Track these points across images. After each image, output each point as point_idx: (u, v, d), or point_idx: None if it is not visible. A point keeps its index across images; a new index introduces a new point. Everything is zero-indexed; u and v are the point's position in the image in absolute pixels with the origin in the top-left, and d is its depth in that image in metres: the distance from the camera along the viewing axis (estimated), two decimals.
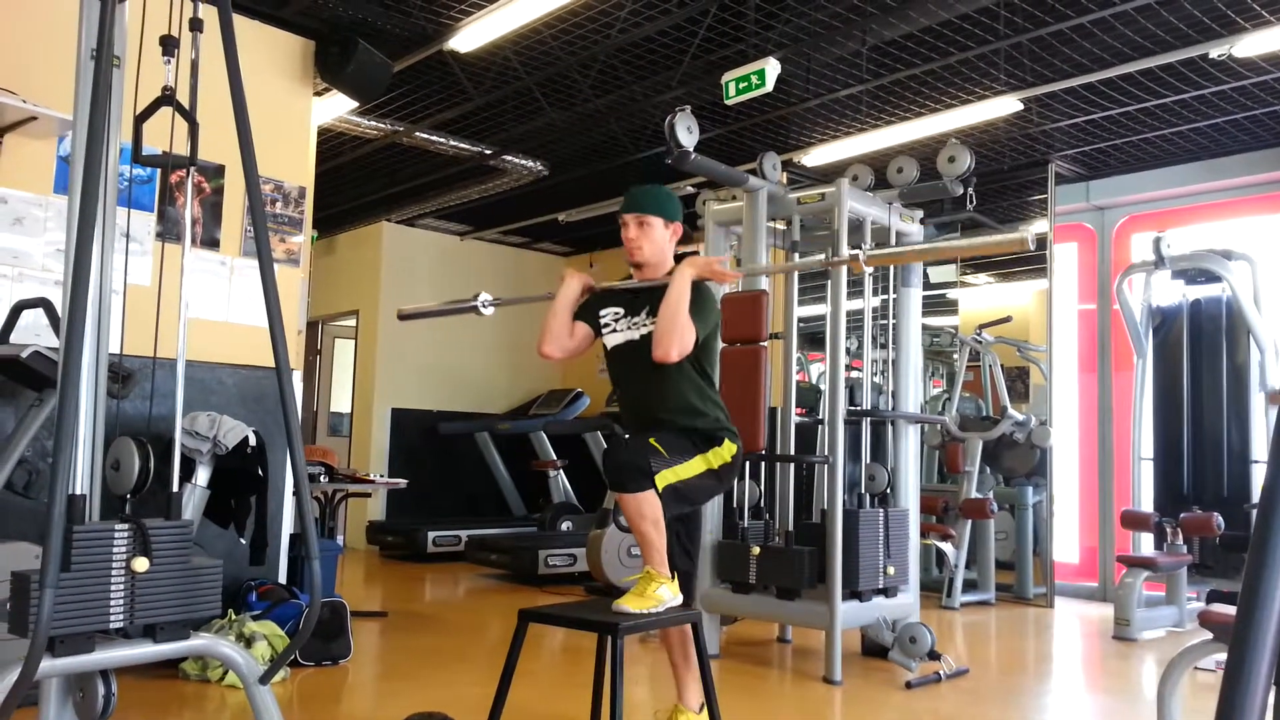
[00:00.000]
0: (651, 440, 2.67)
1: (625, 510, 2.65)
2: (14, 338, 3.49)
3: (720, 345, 2.96)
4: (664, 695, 3.92)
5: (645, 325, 2.81)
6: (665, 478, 2.63)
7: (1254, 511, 5.86)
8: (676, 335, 2.66)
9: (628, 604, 2.58)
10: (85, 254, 1.91)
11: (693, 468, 2.72)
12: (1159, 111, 5.75)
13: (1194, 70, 5.14)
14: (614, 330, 2.89)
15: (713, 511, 4.55)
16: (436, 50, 5.19)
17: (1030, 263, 7.12)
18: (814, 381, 7.26)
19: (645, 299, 2.84)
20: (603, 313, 2.92)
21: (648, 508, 2.62)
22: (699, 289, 2.77)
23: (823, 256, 4.52)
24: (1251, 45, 4.72)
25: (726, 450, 2.80)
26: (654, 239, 2.85)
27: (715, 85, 5.10)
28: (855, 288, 4.65)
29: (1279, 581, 0.87)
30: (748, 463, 4.60)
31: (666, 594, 2.64)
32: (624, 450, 2.68)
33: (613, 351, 2.91)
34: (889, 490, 4.58)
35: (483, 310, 3.17)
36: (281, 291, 2.23)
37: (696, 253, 4.39)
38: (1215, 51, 4.81)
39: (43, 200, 3.97)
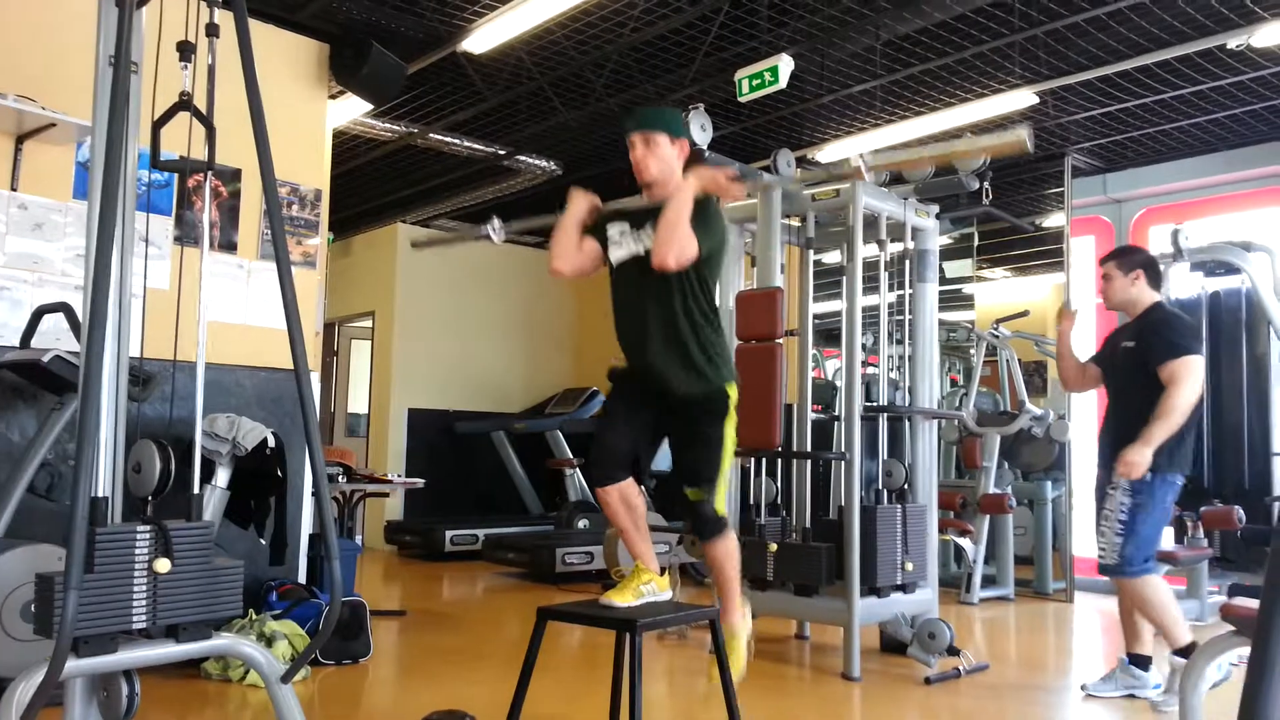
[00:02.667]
0: (694, 494, 2.78)
1: (713, 557, 2.82)
2: (35, 342, 3.52)
3: (720, 272, 2.95)
4: (682, 691, 3.92)
5: (651, 238, 2.77)
6: (721, 497, 2.79)
7: (1276, 504, 5.81)
8: (675, 242, 2.64)
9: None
10: (105, 258, 1.92)
11: (727, 457, 2.79)
12: (1176, 103, 5.71)
13: (1211, 61, 5.10)
14: (619, 245, 2.86)
15: (731, 507, 4.54)
16: (450, 52, 5.20)
17: (1047, 256, 7.08)
18: (830, 378, 7.24)
19: (653, 215, 2.79)
20: (610, 228, 2.90)
21: (734, 552, 2.84)
22: (705, 203, 2.75)
23: (848, 264, 4.51)
24: (1270, 35, 4.68)
25: (734, 402, 2.81)
26: (661, 156, 2.83)
27: (728, 83, 5.10)
28: (871, 284, 4.63)
29: None
30: (764, 460, 4.60)
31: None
32: (698, 509, 2.80)
33: (618, 269, 2.88)
34: (906, 486, 4.57)
35: (494, 236, 3.21)
36: (299, 293, 2.25)
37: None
38: (1233, 42, 4.77)
39: (62, 206, 4.00)
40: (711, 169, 2.80)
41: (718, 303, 2.93)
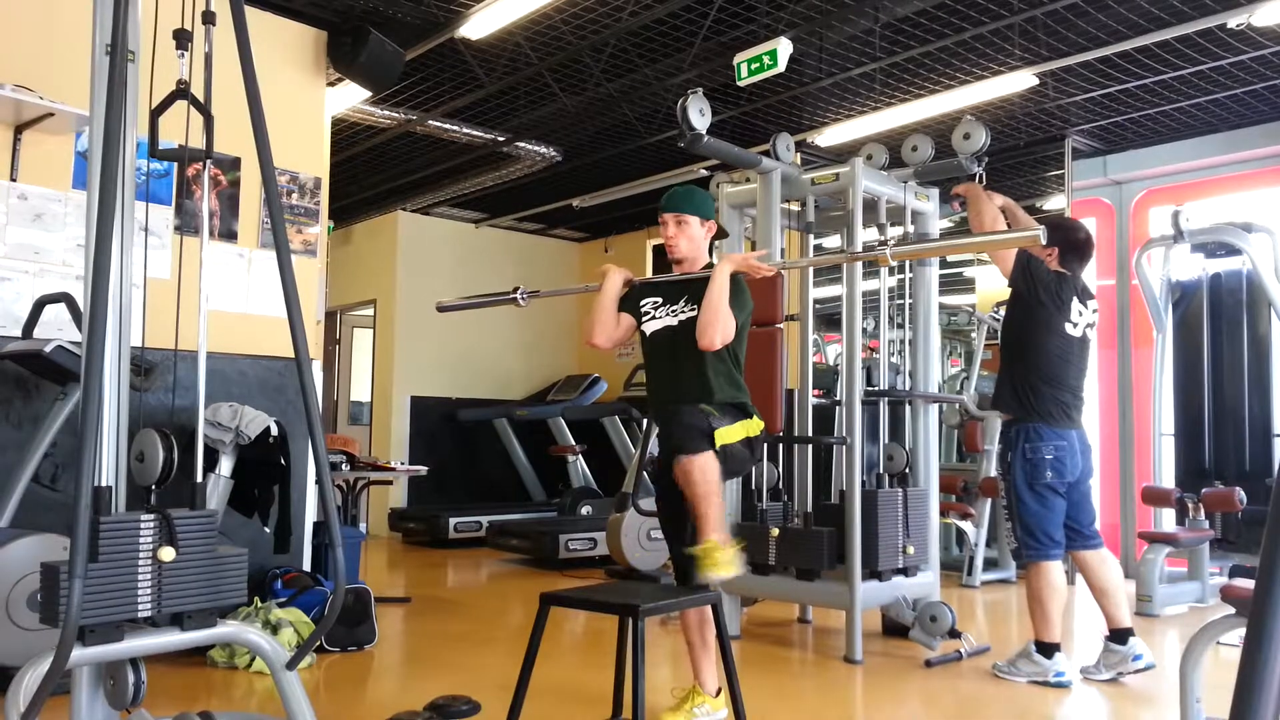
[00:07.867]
0: (703, 405, 2.88)
1: (687, 474, 2.75)
2: (37, 333, 3.53)
3: (746, 336, 3.17)
4: (684, 675, 3.94)
5: (684, 312, 3.05)
6: (720, 435, 2.83)
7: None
8: (719, 325, 2.91)
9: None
10: (105, 248, 1.92)
11: (736, 433, 2.91)
12: (1176, 84, 5.68)
13: (1212, 41, 5.08)
14: (654, 318, 3.13)
15: (731, 494, 4.56)
16: (448, 38, 5.18)
17: None
18: (831, 363, 7.24)
19: (683, 289, 3.09)
20: (643, 303, 3.16)
21: (710, 470, 2.77)
22: (735, 281, 3.01)
23: (848, 248, 4.52)
24: (1271, 14, 4.66)
25: (757, 424, 3.03)
26: (691, 236, 3.12)
27: (727, 67, 5.08)
28: (871, 268, 4.63)
29: None
30: (766, 445, 4.60)
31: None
32: (685, 413, 2.84)
33: (651, 337, 3.14)
34: (908, 470, 4.58)
35: (521, 302, 3.36)
36: (299, 282, 2.25)
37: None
38: (1234, 21, 4.75)
39: (62, 196, 4.00)
40: (742, 254, 3.20)
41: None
